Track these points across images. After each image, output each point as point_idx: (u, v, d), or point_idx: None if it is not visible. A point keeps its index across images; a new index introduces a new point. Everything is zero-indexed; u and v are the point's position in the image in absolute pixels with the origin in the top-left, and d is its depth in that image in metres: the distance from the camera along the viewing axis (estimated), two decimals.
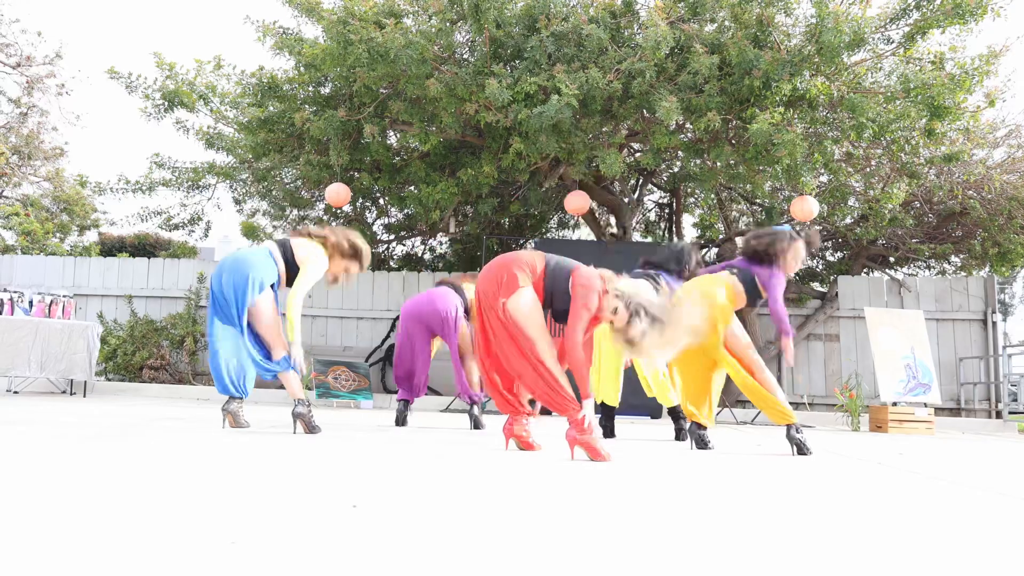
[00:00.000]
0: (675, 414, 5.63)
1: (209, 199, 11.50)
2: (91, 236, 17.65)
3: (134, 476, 2.42)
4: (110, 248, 14.84)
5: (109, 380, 10.26)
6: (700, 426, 4.72)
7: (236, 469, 2.72)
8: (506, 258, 3.93)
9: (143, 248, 14.61)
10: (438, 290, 6.04)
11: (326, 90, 9.45)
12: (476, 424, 5.90)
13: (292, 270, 4.78)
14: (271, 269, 4.71)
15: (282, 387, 9.30)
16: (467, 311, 5.95)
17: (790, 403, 10.28)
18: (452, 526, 1.78)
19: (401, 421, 5.90)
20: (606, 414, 5.62)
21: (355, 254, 4.95)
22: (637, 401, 7.16)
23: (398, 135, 10.17)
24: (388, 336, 10.87)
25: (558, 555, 1.52)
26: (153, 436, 3.92)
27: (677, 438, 5.54)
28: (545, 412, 9.06)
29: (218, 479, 2.43)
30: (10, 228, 15.69)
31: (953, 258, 12.06)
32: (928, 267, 12.27)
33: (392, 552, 1.49)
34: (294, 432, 4.68)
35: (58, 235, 16.99)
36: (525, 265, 3.86)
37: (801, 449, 4.42)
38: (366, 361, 10.35)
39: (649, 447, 4.78)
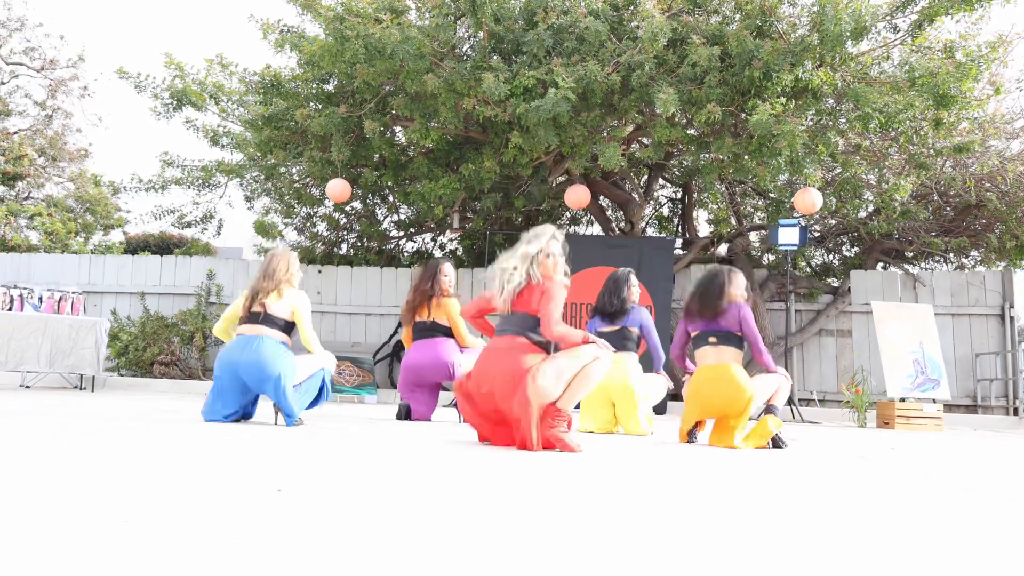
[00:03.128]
0: None
1: (221, 197, 11.64)
2: (115, 236, 17.96)
3: (79, 462, 2.45)
4: (135, 247, 15.07)
5: (122, 376, 10.41)
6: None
7: (189, 456, 2.74)
8: (515, 363, 3.74)
9: (166, 247, 14.82)
10: (437, 342, 5.94)
11: (329, 87, 9.52)
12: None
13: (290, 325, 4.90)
14: (291, 361, 4.78)
15: None
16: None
17: (800, 399, 10.25)
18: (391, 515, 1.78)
19: (405, 416, 5.91)
20: None
21: (276, 266, 4.95)
22: None
23: (403, 130, 10.21)
24: (396, 332, 10.91)
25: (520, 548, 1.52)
26: (133, 427, 3.97)
27: None
28: None
29: (164, 465, 2.46)
30: (34, 228, 15.99)
31: (971, 252, 11.83)
32: (945, 261, 12.05)
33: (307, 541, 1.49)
34: (275, 423, 4.72)
35: (82, 235, 17.29)
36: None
37: (776, 442, 4.36)
38: (374, 357, 10.40)
39: (626, 439, 4.75)
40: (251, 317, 4.84)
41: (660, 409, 8.90)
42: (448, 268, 6.08)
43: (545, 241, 3.93)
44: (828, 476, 2.96)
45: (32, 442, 2.97)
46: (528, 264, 3.88)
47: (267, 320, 4.81)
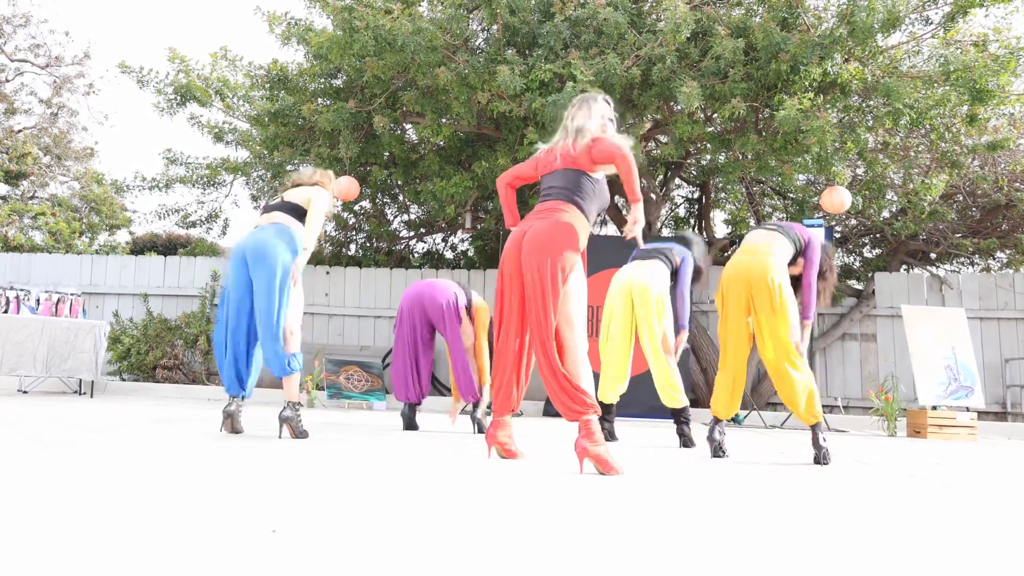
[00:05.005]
0: (678, 417, 5.23)
1: (226, 196, 11.34)
2: (121, 236, 17.70)
3: (57, 482, 2.13)
4: (141, 248, 14.79)
5: (124, 380, 10.11)
6: (719, 426, 4.32)
7: (173, 477, 2.42)
8: (560, 225, 3.50)
9: (173, 247, 14.53)
10: (439, 280, 5.75)
11: (338, 81, 9.21)
12: (480, 428, 5.58)
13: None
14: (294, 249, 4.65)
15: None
16: (468, 309, 5.64)
17: (824, 405, 9.90)
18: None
19: (409, 425, 5.59)
20: (605, 411, 5.30)
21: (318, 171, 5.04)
22: (659, 403, 6.79)
23: (414, 126, 9.90)
24: None
25: None
26: (125, 437, 3.66)
27: (683, 444, 5.15)
28: (549, 413, 8.74)
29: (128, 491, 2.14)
30: (37, 228, 15.74)
31: (999, 253, 11.45)
32: (972, 263, 11.67)
33: None
34: (279, 436, 4.41)
35: (87, 235, 17.04)
36: (577, 237, 3.52)
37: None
38: (383, 361, 10.08)
39: (656, 454, 4.41)
40: (267, 208, 4.76)
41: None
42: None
43: (604, 104, 3.76)
44: (882, 499, 2.62)
45: None
46: (601, 122, 3.69)
47: (283, 207, 4.70)
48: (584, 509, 2.26)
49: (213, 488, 2.33)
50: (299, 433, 4.41)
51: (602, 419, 5.31)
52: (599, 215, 3.67)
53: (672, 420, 5.32)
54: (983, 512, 2.54)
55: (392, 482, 2.66)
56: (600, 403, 5.31)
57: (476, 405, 5.59)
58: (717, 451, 4.27)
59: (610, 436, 5.28)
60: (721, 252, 11.45)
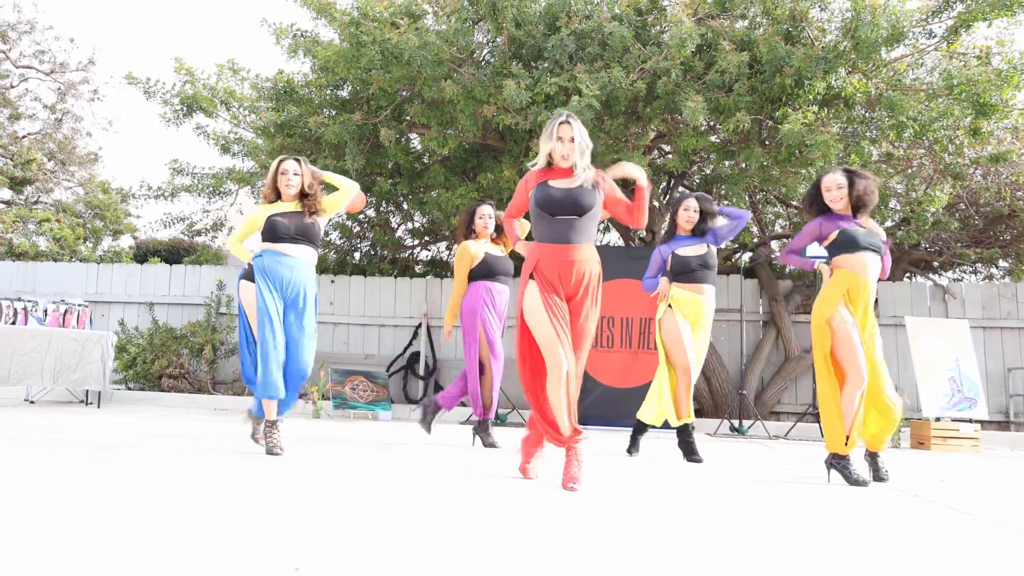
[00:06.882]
0: (683, 433, 5.26)
1: (232, 205, 11.39)
2: (125, 241, 17.74)
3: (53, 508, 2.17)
4: (144, 253, 14.82)
5: (130, 389, 10.15)
6: (843, 457, 4.17)
7: (177, 507, 2.46)
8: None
9: (176, 252, 14.57)
10: (481, 282, 5.78)
11: (344, 93, 9.26)
12: (485, 443, 5.60)
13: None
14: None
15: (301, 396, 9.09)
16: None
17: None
18: None
19: (423, 419, 5.62)
20: (638, 428, 5.38)
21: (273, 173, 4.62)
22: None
23: (419, 137, 9.95)
24: (411, 344, 10.63)
25: None
26: (134, 458, 3.70)
27: (688, 458, 5.17)
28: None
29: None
30: (42, 234, 15.77)
31: (1001, 263, 11.48)
32: (974, 272, 11.71)
33: None
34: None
35: (91, 240, 17.07)
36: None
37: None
38: (387, 370, 10.12)
39: (679, 470, 4.43)
40: None
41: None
42: (486, 210, 5.82)
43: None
44: (887, 525, 2.65)
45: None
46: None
47: None
48: (609, 536, 2.29)
49: (228, 517, 2.36)
50: (268, 449, 4.36)
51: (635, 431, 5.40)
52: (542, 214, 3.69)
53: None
54: (992, 540, 2.57)
55: (407, 508, 2.69)
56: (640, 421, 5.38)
57: (484, 420, 5.61)
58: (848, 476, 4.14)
59: (635, 448, 5.39)
60: (726, 260, 11.48)
